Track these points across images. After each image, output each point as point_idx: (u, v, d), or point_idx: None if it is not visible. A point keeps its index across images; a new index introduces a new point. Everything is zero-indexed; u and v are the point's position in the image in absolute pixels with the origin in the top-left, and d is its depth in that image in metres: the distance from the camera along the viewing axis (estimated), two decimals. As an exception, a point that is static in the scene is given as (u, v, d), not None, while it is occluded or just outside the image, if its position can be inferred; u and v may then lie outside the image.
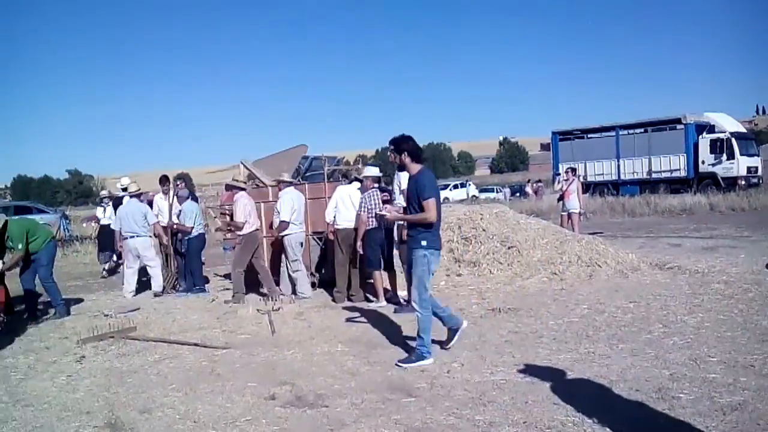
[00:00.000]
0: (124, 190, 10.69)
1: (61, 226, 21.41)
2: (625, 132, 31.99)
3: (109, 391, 5.07)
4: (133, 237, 9.61)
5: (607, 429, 3.70)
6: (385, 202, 8.09)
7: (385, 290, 8.27)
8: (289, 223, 8.64)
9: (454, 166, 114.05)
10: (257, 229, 9.00)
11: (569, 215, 13.22)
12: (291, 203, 8.70)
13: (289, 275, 8.94)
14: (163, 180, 10.82)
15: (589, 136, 33.53)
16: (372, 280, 8.37)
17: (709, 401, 4.00)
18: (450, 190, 45.40)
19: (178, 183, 10.93)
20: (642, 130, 31.69)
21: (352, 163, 17.25)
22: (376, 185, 8.32)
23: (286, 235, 8.69)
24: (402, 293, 7.96)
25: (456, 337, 5.67)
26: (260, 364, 5.64)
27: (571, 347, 5.51)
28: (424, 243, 5.29)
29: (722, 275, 8.32)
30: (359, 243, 7.99)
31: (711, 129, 29.11)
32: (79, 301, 9.58)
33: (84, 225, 22.03)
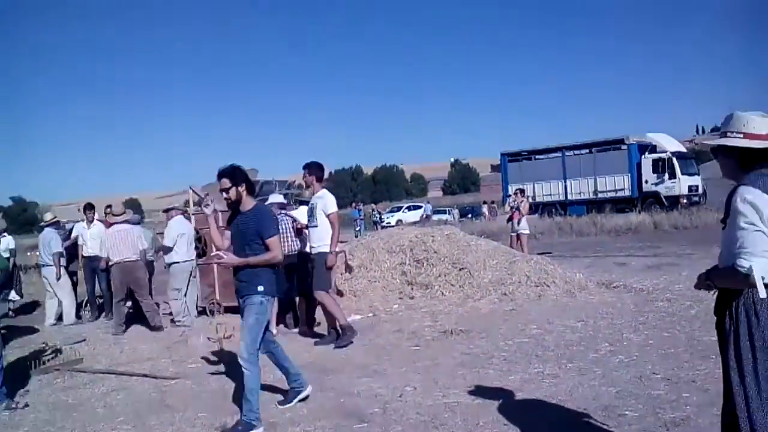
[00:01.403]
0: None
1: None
2: (571, 153, 32.80)
3: (55, 426, 4.93)
4: (44, 266, 10.15)
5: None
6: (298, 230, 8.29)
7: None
8: (171, 248, 9.06)
9: (407, 189, 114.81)
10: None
11: (518, 236, 13.46)
12: (177, 230, 9.13)
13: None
14: (87, 208, 10.88)
15: (536, 157, 34.28)
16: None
17: (654, 417, 4.13)
18: (403, 212, 45.76)
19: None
20: (587, 150, 32.55)
21: (305, 187, 17.23)
22: (283, 211, 8.42)
23: (172, 263, 9.13)
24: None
25: (295, 401, 5.01)
26: (211, 394, 5.57)
27: (521, 368, 5.60)
28: (261, 288, 4.64)
29: (666, 293, 8.60)
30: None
31: (653, 149, 30.08)
32: (26, 331, 9.33)
33: (28, 254, 21.45)
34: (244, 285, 4.70)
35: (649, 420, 4.08)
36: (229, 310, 9.29)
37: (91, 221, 10.64)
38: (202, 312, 9.78)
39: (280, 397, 5.15)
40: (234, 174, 4.72)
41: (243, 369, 4.52)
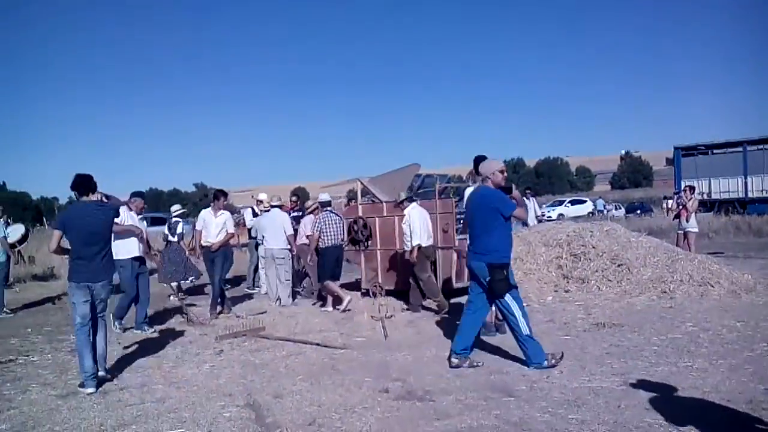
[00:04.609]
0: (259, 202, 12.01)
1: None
2: (754, 148, 30.36)
3: (246, 379, 5.85)
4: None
5: (694, 433, 3.97)
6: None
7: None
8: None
9: (571, 182, 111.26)
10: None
11: (685, 234, 13.01)
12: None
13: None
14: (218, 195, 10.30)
15: (714, 151, 32.12)
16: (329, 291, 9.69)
17: (801, 415, 4.17)
18: (565, 206, 44.72)
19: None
20: (773, 145, 29.99)
21: (464, 178, 17.68)
22: (328, 208, 9.95)
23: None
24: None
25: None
26: (375, 364, 6.25)
27: (670, 361, 5.72)
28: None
29: (844, 299, 8.08)
30: (309, 258, 9.98)
31: None
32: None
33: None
34: None
35: (794, 416, 4.13)
36: (390, 293, 10.06)
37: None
38: (365, 294, 10.61)
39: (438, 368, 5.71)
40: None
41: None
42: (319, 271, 9.87)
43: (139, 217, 8.71)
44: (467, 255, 6.14)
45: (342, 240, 9.89)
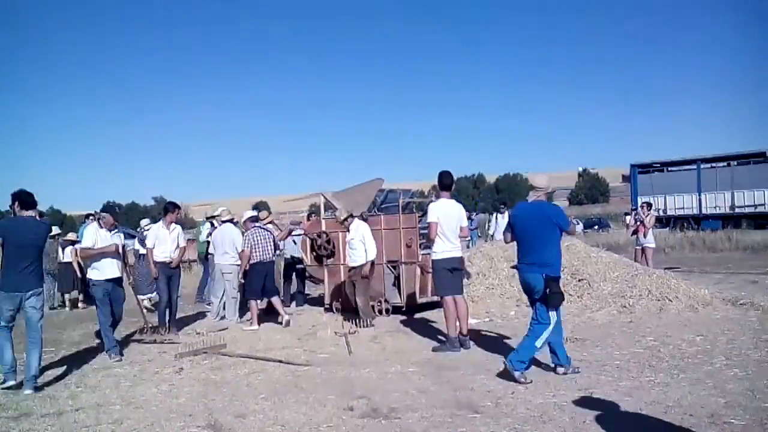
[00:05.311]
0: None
1: None
2: (708, 165, 31.30)
3: (207, 398, 5.69)
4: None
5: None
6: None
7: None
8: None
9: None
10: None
11: (643, 249, 13.28)
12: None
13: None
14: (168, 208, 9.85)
15: (669, 169, 32.98)
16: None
17: (761, 428, 4.24)
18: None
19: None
20: (725, 163, 30.95)
21: (426, 194, 17.75)
22: (257, 224, 9.87)
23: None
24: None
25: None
26: (339, 381, 6.16)
27: (632, 375, 5.77)
28: None
29: (796, 313, 8.30)
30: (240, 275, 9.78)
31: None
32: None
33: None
34: None
35: (755, 429, 4.20)
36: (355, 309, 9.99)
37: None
38: (328, 309, 10.52)
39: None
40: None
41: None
42: (246, 288, 9.78)
43: (113, 232, 8.01)
44: (519, 268, 6.12)
45: (271, 256, 9.81)
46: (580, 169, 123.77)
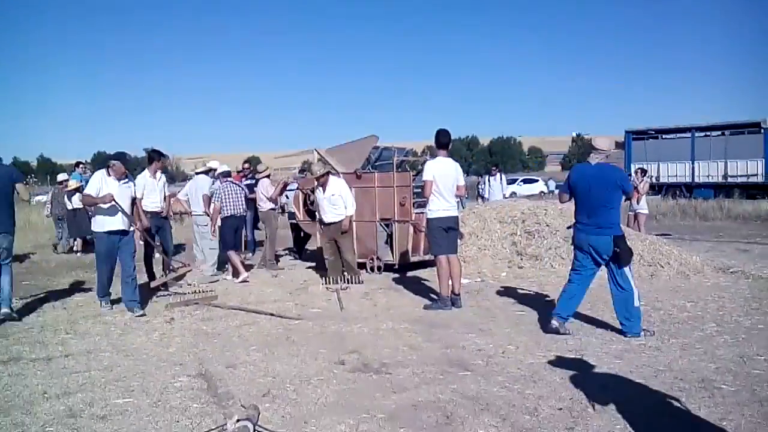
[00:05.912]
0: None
1: None
2: (702, 134, 31.14)
3: (198, 348, 5.69)
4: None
5: (650, 409, 4.02)
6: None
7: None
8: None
9: (523, 161, 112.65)
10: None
11: (636, 215, 13.28)
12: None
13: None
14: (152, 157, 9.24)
15: (663, 136, 32.85)
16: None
17: (750, 393, 4.26)
18: (518, 184, 45.19)
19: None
20: (719, 132, 30.80)
21: (419, 154, 17.65)
22: (228, 179, 10.00)
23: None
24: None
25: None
26: (330, 335, 6.16)
27: (624, 339, 5.78)
28: None
29: (786, 282, 8.34)
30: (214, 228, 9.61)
31: (792, 133, 28.05)
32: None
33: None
34: None
35: (744, 395, 4.22)
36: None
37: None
38: (320, 265, 10.50)
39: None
40: None
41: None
42: (221, 242, 9.79)
43: (123, 182, 7.45)
44: (578, 229, 6.13)
45: (242, 210, 9.90)
46: (574, 134, 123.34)
